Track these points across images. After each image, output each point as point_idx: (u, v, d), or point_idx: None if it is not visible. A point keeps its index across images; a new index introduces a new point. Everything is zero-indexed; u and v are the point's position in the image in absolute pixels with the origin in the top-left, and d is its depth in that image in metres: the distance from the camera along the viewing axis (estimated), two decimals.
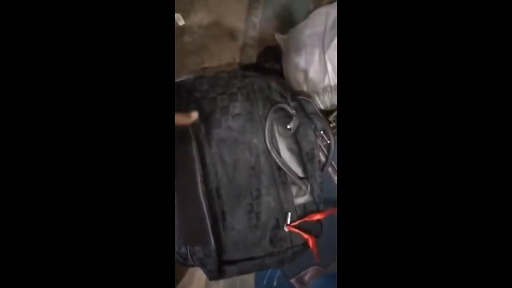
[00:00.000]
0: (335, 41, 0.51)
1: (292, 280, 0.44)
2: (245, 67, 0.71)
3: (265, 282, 0.60)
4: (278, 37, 0.70)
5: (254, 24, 0.77)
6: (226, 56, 0.73)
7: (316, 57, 0.54)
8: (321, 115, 0.48)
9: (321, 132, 0.46)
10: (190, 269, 0.65)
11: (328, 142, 0.46)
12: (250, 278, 0.64)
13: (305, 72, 0.56)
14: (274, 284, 0.58)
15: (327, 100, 0.54)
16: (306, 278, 0.44)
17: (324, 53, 0.52)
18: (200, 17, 0.72)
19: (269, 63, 0.71)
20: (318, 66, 0.54)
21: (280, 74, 0.67)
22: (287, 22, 0.71)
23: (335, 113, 0.49)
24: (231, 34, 0.75)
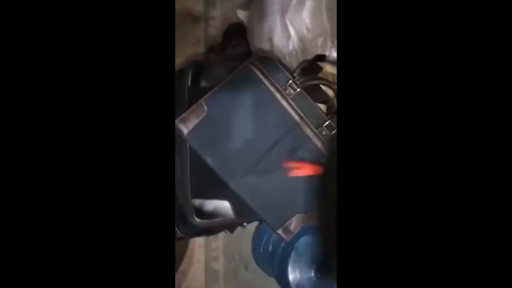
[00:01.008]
0: (293, 3, 0.52)
1: (279, 231, 0.46)
2: (211, 48, 0.71)
3: (261, 250, 0.62)
4: (240, 13, 0.70)
5: (214, 4, 0.76)
6: (190, 39, 0.73)
7: (278, 23, 0.54)
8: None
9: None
10: (188, 252, 0.66)
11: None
12: (247, 250, 0.66)
13: (270, 41, 0.57)
14: (270, 250, 0.60)
15: (295, 64, 0.55)
16: (292, 227, 0.46)
17: (284, 17, 0.53)
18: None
19: (235, 40, 0.71)
20: (280, 31, 0.55)
21: (247, 49, 0.67)
22: None
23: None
24: (192, 17, 0.74)
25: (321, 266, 0.53)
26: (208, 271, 0.66)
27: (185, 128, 0.43)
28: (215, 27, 0.74)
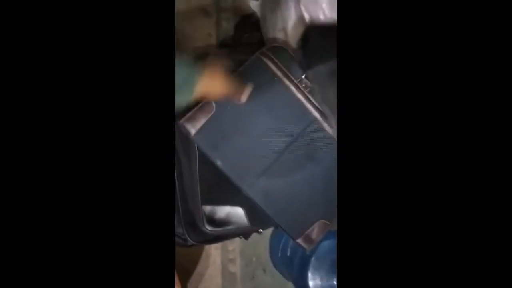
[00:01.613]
0: None
1: (299, 240, 0.42)
2: (223, 42, 0.68)
3: (279, 254, 0.60)
4: (252, 4, 0.66)
5: None
6: (201, 33, 0.70)
7: (292, 10, 0.51)
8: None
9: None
10: (205, 254, 0.64)
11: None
12: (265, 253, 0.64)
13: (284, 30, 0.53)
14: (288, 254, 0.57)
15: None
16: (313, 235, 0.42)
17: (299, 4, 0.49)
18: None
19: (247, 32, 0.68)
20: (295, 19, 0.51)
21: (261, 40, 0.64)
22: None
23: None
24: (203, 11, 0.71)
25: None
26: (225, 273, 0.65)
27: (192, 127, 0.40)
28: (227, 20, 0.71)
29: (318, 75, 0.45)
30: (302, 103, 0.43)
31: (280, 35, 0.54)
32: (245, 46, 0.65)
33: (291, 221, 0.42)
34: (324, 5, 0.47)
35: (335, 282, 0.50)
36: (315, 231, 0.42)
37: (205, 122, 0.41)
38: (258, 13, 0.64)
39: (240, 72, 0.44)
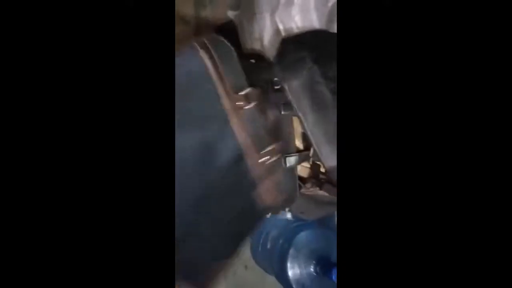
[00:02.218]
0: (282, 1, 0.52)
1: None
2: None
3: (260, 248, 0.62)
4: (231, 13, 0.70)
5: (204, 5, 0.76)
6: (181, 41, 0.72)
7: (268, 21, 0.55)
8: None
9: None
10: None
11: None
12: (246, 249, 0.66)
13: (261, 39, 0.57)
14: (268, 247, 0.60)
15: None
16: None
17: (274, 15, 0.53)
18: None
19: (227, 40, 0.71)
20: (271, 29, 0.55)
21: (239, 50, 0.67)
22: None
23: None
24: (182, 19, 0.74)
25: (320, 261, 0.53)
26: None
27: None
28: (206, 28, 0.74)
29: (294, 88, 0.44)
30: (234, 133, 0.36)
31: (256, 44, 0.58)
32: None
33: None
34: (296, 18, 0.52)
35: (311, 269, 0.54)
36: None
37: None
38: (236, 22, 0.68)
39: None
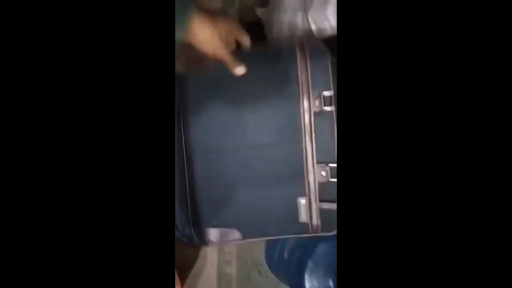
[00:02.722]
0: (316, 0, 0.49)
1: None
2: None
3: (276, 257, 0.60)
4: (259, 11, 0.68)
5: (232, 2, 0.75)
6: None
7: (299, 20, 0.52)
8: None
9: None
10: (202, 254, 0.64)
11: None
12: (261, 255, 0.64)
13: (291, 39, 0.55)
14: (285, 257, 0.58)
15: None
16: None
17: (307, 14, 0.51)
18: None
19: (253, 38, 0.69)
20: (302, 29, 0.52)
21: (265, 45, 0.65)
22: None
23: None
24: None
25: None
26: (220, 274, 0.65)
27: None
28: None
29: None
30: (297, 124, 0.38)
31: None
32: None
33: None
34: (330, 17, 0.49)
35: (331, 284, 0.51)
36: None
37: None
38: (264, 21, 0.66)
39: (261, 52, 0.41)
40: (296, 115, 0.39)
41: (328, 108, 0.38)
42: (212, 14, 0.35)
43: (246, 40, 0.39)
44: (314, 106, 0.38)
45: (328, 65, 0.38)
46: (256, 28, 0.70)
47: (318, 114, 0.38)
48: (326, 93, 0.38)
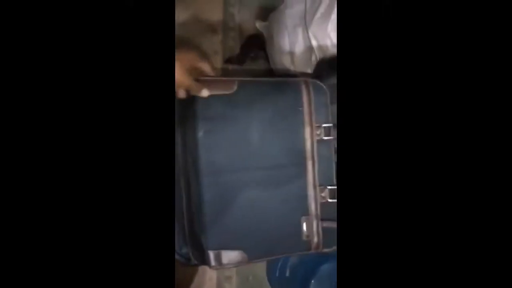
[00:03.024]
0: (317, 16, 0.49)
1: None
2: (229, 59, 0.69)
3: (277, 274, 0.59)
4: (259, 24, 0.68)
5: (233, 15, 0.75)
6: (208, 50, 0.72)
7: (300, 36, 0.52)
8: None
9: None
10: (200, 271, 0.63)
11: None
12: (262, 272, 0.63)
13: (291, 54, 0.55)
14: (287, 275, 0.57)
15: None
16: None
17: (307, 31, 0.51)
18: (176, 14, 0.70)
19: (253, 52, 0.69)
20: (303, 45, 0.52)
21: (265, 61, 0.65)
22: (267, 7, 0.69)
23: None
24: (211, 28, 0.73)
25: None
26: None
27: (204, 90, 0.39)
28: (233, 38, 0.73)
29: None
30: (302, 147, 0.42)
31: (286, 58, 0.56)
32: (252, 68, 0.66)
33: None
34: (332, 33, 0.49)
35: None
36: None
37: (218, 94, 0.40)
38: (265, 34, 0.66)
39: (276, 81, 0.45)
40: (300, 142, 0.43)
41: (327, 138, 0.44)
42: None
43: (206, 68, 0.43)
44: (316, 135, 0.43)
45: (327, 100, 0.44)
46: (256, 41, 0.70)
47: (319, 142, 0.43)
48: (326, 125, 0.44)
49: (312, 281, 0.50)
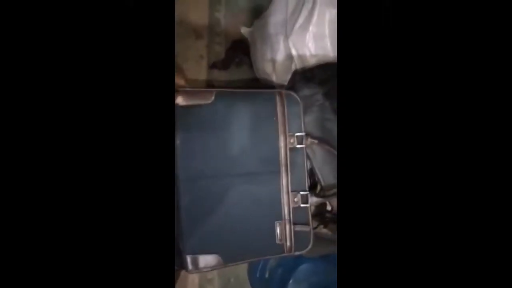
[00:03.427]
0: (297, 26, 0.51)
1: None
2: (214, 64, 0.70)
3: (258, 275, 0.60)
4: (244, 30, 0.69)
5: (218, 20, 0.76)
6: (193, 55, 0.72)
7: (281, 45, 0.54)
8: None
9: None
10: (183, 274, 0.64)
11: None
12: (243, 273, 0.64)
13: (273, 62, 0.56)
14: (266, 276, 0.58)
15: None
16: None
17: (287, 40, 0.52)
18: None
19: (238, 57, 0.70)
20: (284, 53, 0.54)
21: (250, 67, 0.67)
22: (252, 14, 0.70)
23: None
24: (196, 33, 0.74)
25: None
26: None
27: (182, 100, 0.41)
28: (219, 43, 0.74)
29: (306, 123, 0.48)
30: (277, 155, 0.44)
31: (268, 66, 0.57)
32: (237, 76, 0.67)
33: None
34: (310, 44, 0.51)
35: None
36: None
37: (196, 104, 0.42)
38: (249, 40, 0.67)
39: (253, 92, 0.46)
40: (275, 150, 0.45)
41: (299, 146, 0.45)
42: None
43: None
44: (289, 143, 0.45)
45: (300, 111, 0.46)
46: (241, 47, 0.71)
47: (292, 150, 0.45)
48: (298, 134, 0.46)
49: (290, 281, 0.52)
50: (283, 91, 0.47)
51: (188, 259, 0.42)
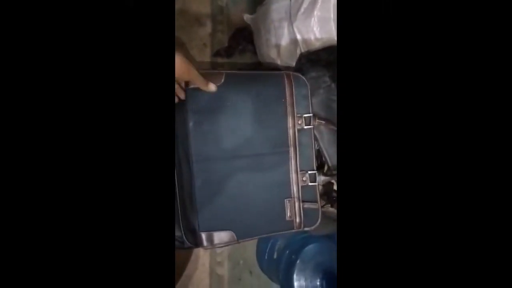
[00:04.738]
0: (301, 12, 0.51)
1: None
2: (218, 52, 0.71)
3: (266, 257, 0.62)
4: (247, 17, 0.69)
5: (221, 8, 0.76)
6: (197, 43, 0.72)
7: (285, 30, 0.54)
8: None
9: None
10: (193, 257, 0.66)
11: None
12: (252, 256, 0.66)
13: (277, 47, 0.56)
14: (275, 257, 0.60)
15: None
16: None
17: (292, 25, 0.53)
18: None
19: (241, 45, 0.71)
20: (288, 38, 0.54)
21: (253, 54, 0.67)
22: (254, 1, 0.70)
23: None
24: (198, 21, 0.74)
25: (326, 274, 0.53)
26: (212, 275, 0.67)
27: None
28: (222, 31, 0.74)
29: (313, 105, 0.48)
30: (286, 135, 0.45)
31: (273, 51, 0.58)
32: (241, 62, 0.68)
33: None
34: (315, 28, 0.51)
35: (318, 283, 0.53)
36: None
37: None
38: (252, 27, 0.67)
39: (260, 74, 0.47)
40: (284, 131, 0.46)
41: (307, 127, 0.47)
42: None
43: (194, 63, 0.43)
44: (297, 125, 0.46)
45: (308, 92, 0.47)
46: (244, 34, 0.71)
47: (300, 131, 0.46)
48: (306, 115, 0.47)
49: (298, 261, 0.54)
50: (291, 73, 0.47)
51: (203, 236, 0.43)
